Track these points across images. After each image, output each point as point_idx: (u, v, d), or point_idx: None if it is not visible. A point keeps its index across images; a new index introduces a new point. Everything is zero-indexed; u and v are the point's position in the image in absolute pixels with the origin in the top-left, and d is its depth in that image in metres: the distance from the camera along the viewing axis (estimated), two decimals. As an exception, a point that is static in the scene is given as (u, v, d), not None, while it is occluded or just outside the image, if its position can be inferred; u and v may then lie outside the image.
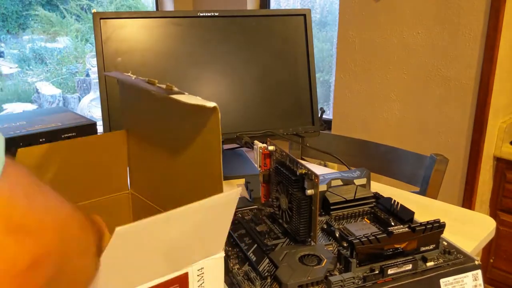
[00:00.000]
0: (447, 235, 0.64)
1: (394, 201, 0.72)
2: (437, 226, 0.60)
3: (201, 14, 1.10)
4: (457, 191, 1.88)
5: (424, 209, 0.94)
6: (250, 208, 0.77)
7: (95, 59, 0.99)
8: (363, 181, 0.82)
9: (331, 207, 0.74)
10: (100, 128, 0.98)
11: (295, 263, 0.58)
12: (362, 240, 0.57)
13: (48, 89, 3.03)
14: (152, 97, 0.60)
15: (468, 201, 1.84)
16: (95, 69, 2.38)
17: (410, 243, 0.59)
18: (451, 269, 0.59)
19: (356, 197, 0.75)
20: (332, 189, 0.77)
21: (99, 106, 1.05)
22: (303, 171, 0.62)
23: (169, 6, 2.81)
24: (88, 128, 0.79)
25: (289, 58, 1.15)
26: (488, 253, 1.93)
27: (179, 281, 0.46)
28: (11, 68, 2.99)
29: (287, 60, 1.15)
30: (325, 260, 0.59)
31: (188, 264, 0.47)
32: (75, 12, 2.99)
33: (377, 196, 0.77)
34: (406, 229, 0.59)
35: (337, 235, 0.67)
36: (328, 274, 0.57)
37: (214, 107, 0.50)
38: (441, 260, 0.61)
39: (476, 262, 0.60)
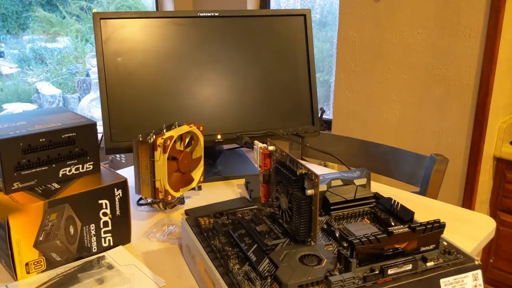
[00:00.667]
0: (447, 235, 0.65)
1: (394, 201, 0.72)
2: (437, 226, 0.60)
3: (201, 14, 1.10)
4: (457, 191, 1.88)
5: (424, 209, 0.94)
6: (250, 208, 0.77)
7: (95, 59, 0.99)
8: (363, 181, 0.82)
9: (331, 207, 0.74)
10: (100, 128, 0.98)
11: (295, 263, 0.58)
12: (362, 240, 0.57)
13: (48, 89, 3.03)
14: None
15: (468, 201, 1.84)
16: (95, 69, 2.38)
17: (410, 243, 0.59)
18: (451, 269, 0.59)
19: (356, 197, 0.75)
20: (332, 189, 0.77)
21: (99, 106, 1.05)
22: (303, 171, 0.62)
23: (169, 6, 2.81)
24: (88, 128, 0.79)
25: (289, 58, 1.15)
26: (488, 253, 1.93)
27: None
28: (11, 68, 2.99)
29: (287, 60, 1.15)
30: (325, 260, 0.59)
31: None
32: (75, 12, 2.98)
33: (377, 196, 0.77)
34: (406, 229, 0.59)
35: (337, 235, 0.67)
36: (328, 274, 0.57)
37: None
38: (441, 260, 0.61)
39: (476, 262, 0.60)
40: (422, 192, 1.21)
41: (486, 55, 1.70)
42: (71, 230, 0.74)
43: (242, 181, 1.10)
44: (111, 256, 0.78)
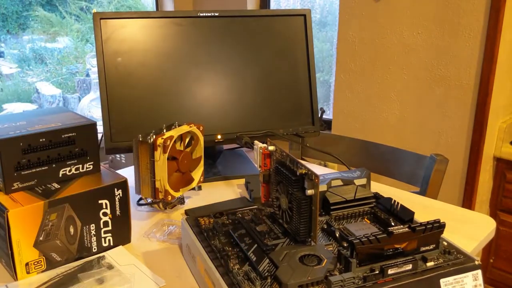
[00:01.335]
0: (447, 235, 0.65)
1: (394, 201, 0.72)
2: (437, 226, 0.60)
3: (201, 14, 1.10)
4: (457, 191, 1.88)
5: (424, 209, 0.94)
6: (250, 208, 0.77)
7: (95, 59, 0.99)
8: (363, 181, 0.82)
9: (331, 207, 0.74)
10: (100, 128, 0.98)
11: (295, 263, 0.58)
12: (362, 240, 0.57)
13: (48, 89, 3.03)
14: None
15: (468, 201, 1.84)
16: (95, 69, 2.38)
17: (410, 243, 0.59)
18: (451, 269, 0.59)
19: (356, 197, 0.75)
20: (332, 189, 0.77)
21: (99, 106, 1.05)
22: (303, 171, 0.62)
23: (169, 6, 2.81)
24: (88, 128, 0.79)
25: (289, 58, 1.15)
26: (488, 253, 1.93)
27: None
28: (11, 68, 2.99)
29: (287, 60, 1.15)
30: (325, 260, 0.59)
31: None
32: (75, 13, 2.98)
33: (377, 196, 0.77)
34: (406, 229, 0.59)
35: (337, 235, 0.67)
36: (328, 274, 0.57)
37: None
38: (441, 260, 0.61)
39: (476, 262, 0.60)
40: (422, 192, 1.21)
41: (486, 55, 1.70)
42: (71, 230, 0.74)
43: (242, 181, 1.10)
44: (111, 256, 0.78)
